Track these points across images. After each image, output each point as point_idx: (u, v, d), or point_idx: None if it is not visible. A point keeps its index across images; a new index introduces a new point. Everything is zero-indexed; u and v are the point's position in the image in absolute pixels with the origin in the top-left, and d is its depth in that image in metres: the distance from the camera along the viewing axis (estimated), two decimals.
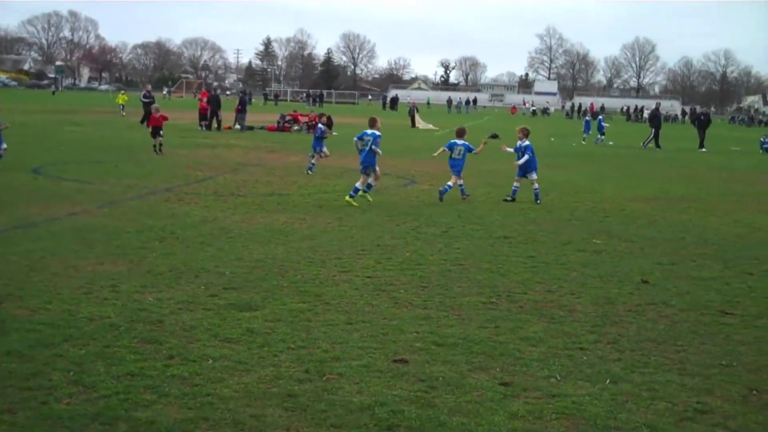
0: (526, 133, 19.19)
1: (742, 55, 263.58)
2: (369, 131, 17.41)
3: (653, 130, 43.19)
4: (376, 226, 14.32)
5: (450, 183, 18.41)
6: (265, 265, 10.78)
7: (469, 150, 19.00)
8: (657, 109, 47.02)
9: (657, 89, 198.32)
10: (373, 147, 17.15)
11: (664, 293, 10.09)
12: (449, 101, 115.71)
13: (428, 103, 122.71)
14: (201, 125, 42.29)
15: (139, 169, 22.23)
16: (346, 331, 7.90)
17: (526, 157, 18.52)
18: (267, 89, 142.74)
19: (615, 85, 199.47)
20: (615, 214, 17.01)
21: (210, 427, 5.49)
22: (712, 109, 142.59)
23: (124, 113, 52.23)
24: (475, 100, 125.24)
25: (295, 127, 45.17)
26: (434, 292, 9.69)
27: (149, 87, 50.93)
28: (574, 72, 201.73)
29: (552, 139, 48.52)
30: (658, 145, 41.72)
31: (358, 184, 17.03)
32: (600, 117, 47.20)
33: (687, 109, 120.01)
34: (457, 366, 6.97)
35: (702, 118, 47.47)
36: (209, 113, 42.51)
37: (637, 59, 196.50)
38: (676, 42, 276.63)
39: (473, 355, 7.28)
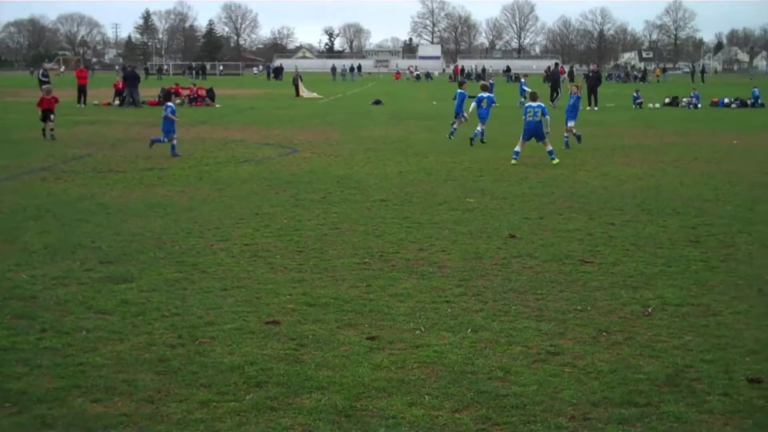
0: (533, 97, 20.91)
1: (618, 12, 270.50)
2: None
3: (550, 88, 44.07)
4: (255, 195, 14.47)
5: (478, 128, 23.47)
6: (143, 238, 10.85)
7: (492, 102, 24.35)
8: (556, 67, 48.00)
9: (537, 49, 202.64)
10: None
11: (530, 246, 10.62)
12: (333, 68, 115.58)
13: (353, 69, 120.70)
14: (115, 101, 41.99)
15: (14, 148, 21.73)
16: (221, 297, 8.11)
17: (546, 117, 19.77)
18: (148, 63, 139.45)
19: (497, 47, 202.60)
20: (489, 173, 17.58)
21: (82, 393, 5.64)
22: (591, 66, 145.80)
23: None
24: (359, 67, 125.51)
25: (177, 101, 44.50)
26: (309, 255, 9.97)
27: (46, 65, 49.30)
28: (456, 35, 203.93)
29: (434, 102, 49.16)
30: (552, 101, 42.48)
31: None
32: (522, 81, 47.60)
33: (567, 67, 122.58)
34: (327, 324, 7.27)
35: (591, 75, 45.61)
36: (126, 90, 41.95)
37: (518, 20, 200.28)
38: (555, 1, 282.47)
39: (343, 313, 7.60)
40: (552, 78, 46.78)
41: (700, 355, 6.62)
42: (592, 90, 42.45)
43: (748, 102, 45.30)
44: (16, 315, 7.40)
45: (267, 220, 12.21)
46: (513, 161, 19.04)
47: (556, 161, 19.00)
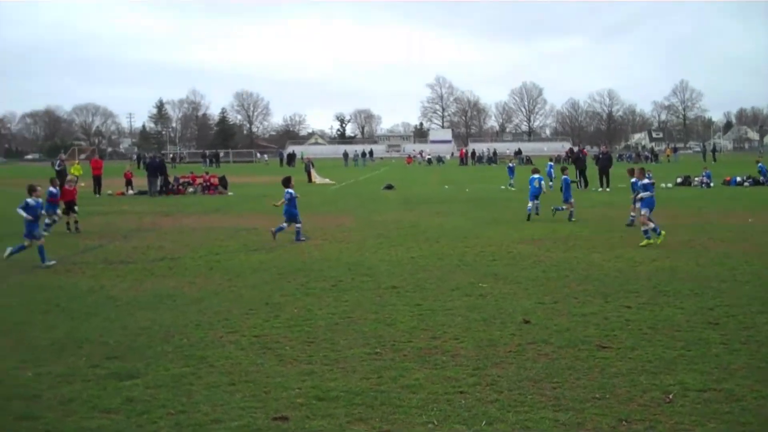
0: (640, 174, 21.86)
1: (625, 93, 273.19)
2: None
3: (577, 171, 43.77)
4: (265, 284, 14.34)
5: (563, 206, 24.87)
6: (151, 331, 10.70)
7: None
8: (580, 150, 47.51)
9: (548, 131, 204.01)
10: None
11: (545, 332, 10.39)
12: (345, 154, 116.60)
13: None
14: (129, 191, 43.13)
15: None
16: (228, 392, 7.91)
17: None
18: (163, 152, 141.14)
19: (507, 130, 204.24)
20: (502, 256, 17.42)
21: None
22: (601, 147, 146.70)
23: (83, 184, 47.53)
24: (371, 152, 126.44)
25: (190, 189, 44.94)
26: (320, 346, 9.78)
27: (63, 156, 49.86)
28: (466, 119, 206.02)
29: (446, 186, 49.31)
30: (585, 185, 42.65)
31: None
32: (510, 165, 47.83)
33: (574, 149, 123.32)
34: (337, 419, 7.06)
35: (601, 156, 46.01)
36: (157, 178, 43.10)
37: (526, 103, 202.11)
38: (562, 84, 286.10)
39: (354, 407, 7.38)
40: (578, 161, 46.32)
41: None
42: (604, 171, 42.57)
43: (761, 180, 45.20)
44: (18, 416, 7.22)
45: (277, 309, 12.05)
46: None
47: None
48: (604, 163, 43.77)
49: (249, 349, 9.67)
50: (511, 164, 48.11)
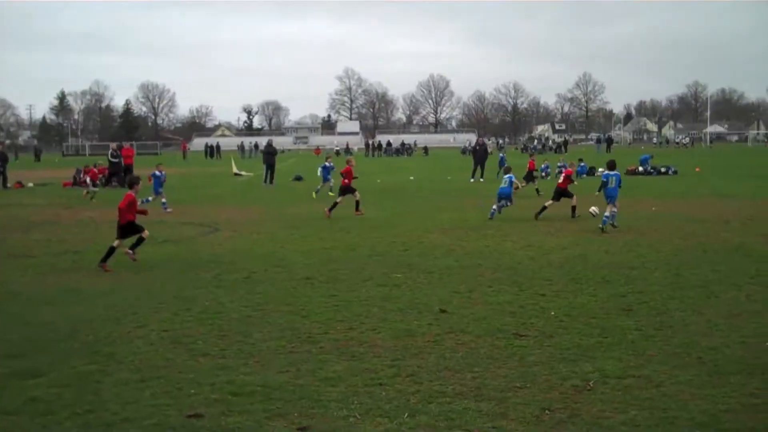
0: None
1: (530, 86, 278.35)
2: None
3: (478, 163, 44.12)
4: (175, 277, 13.92)
5: (607, 212, 20.01)
6: (55, 327, 10.22)
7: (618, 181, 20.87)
8: (477, 143, 48.15)
9: (454, 123, 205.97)
10: None
11: (462, 321, 10.31)
12: (240, 146, 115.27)
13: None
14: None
15: None
16: (138, 389, 7.56)
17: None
18: (64, 144, 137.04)
19: (414, 122, 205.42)
20: (414, 246, 17.33)
21: None
22: (502, 139, 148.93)
23: None
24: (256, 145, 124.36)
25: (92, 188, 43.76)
26: (233, 340, 9.48)
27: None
28: (374, 111, 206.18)
29: (355, 177, 49.02)
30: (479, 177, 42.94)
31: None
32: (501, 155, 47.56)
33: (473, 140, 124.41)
34: (254, 415, 6.80)
35: (477, 148, 46.67)
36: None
37: (434, 95, 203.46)
38: (469, 77, 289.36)
39: (271, 402, 7.13)
40: (476, 152, 46.81)
41: (648, 430, 6.35)
42: (480, 162, 43.28)
43: (663, 170, 46.38)
44: None
45: (188, 303, 11.67)
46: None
47: None
48: (481, 155, 44.66)
49: (159, 344, 9.30)
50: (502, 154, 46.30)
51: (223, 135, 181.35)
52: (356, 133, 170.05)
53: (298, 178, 45.70)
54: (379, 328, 10.02)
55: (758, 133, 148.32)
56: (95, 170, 42.75)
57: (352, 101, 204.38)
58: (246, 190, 38.80)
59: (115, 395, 7.38)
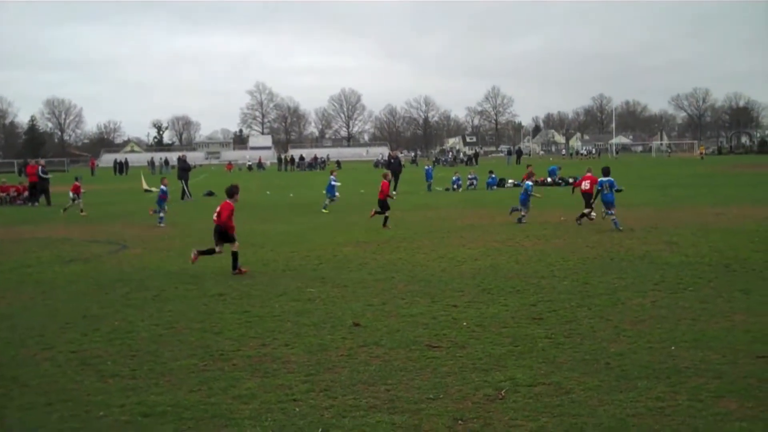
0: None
1: (440, 99, 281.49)
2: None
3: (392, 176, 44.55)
4: (83, 296, 13.60)
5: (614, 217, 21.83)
6: None
7: (612, 185, 22.21)
8: (390, 156, 49.02)
9: (366, 137, 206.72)
10: None
11: (375, 334, 10.33)
12: (150, 162, 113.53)
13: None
14: None
15: None
16: (45, 413, 7.35)
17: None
18: None
19: (327, 136, 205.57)
20: (328, 260, 17.31)
21: None
22: (414, 152, 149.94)
23: None
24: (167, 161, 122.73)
25: None
26: (143, 359, 9.30)
27: None
28: (287, 125, 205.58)
29: (267, 192, 48.87)
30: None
31: None
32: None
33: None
34: None
35: (392, 161, 47.57)
36: None
37: (346, 109, 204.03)
38: (381, 91, 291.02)
39: (183, 422, 7.02)
40: (391, 165, 47.20)
41: None
42: (394, 175, 43.77)
43: (571, 180, 47.26)
44: None
45: (96, 322, 11.41)
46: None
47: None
48: (395, 168, 45.51)
49: (66, 366, 9.07)
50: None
51: (132, 150, 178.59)
52: (269, 148, 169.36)
53: (210, 194, 45.21)
54: (292, 343, 9.96)
55: (661, 144, 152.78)
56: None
57: (263, 115, 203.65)
58: (152, 205, 38.08)
59: (19, 420, 7.17)
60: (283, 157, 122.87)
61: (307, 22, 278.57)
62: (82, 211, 33.16)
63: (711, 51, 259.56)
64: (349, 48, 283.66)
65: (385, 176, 26.24)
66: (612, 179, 22.39)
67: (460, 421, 6.92)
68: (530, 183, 25.70)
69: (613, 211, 22.12)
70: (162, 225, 26.76)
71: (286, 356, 9.33)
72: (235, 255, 15.91)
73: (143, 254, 19.18)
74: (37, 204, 40.99)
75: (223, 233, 16.03)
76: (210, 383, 8.24)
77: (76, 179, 34.57)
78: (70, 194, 33.93)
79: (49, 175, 42.60)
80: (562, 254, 17.33)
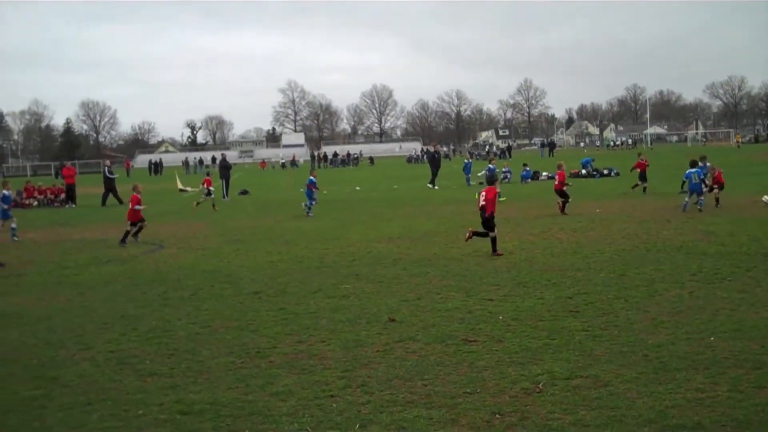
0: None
1: (472, 93, 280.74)
2: None
3: (433, 170, 44.67)
4: (120, 297, 13.72)
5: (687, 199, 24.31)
6: None
7: (700, 176, 24.43)
8: (436, 151, 49.02)
9: (399, 132, 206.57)
10: None
11: (411, 329, 10.31)
12: (185, 162, 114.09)
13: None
14: None
15: None
16: (85, 412, 7.42)
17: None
18: (4, 165, 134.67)
19: (359, 132, 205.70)
20: (362, 256, 17.32)
21: None
22: (447, 147, 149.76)
23: None
24: (213, 159, 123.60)
25: (34, 203, 43.16)
26: (181, 358, 9.36)
27: None
28: (319, 122, 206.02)
29: (301, 189, 48.95)
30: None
31: None
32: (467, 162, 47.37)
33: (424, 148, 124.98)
34: None
35: (436, 156, 47.70)
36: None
37: (377, 105, 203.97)
38: (412, 86, 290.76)
39: (221, 419, 7.05)
40: (433, 161, 47.09)
41: (597, 430, 6.40)
42: (435, 169, 44.55)
43: (605, 171, 47.02)
44: None
45: (133, 322, 11.51)
46: None
47: None
48: (437, 162, 45.86)
49: (105, 366, 9.15)
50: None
51: (167, 151, 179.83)
52: (301, 145, 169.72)
53: (244, 192, 45.46)
54: (328, 339, 9.97)
55: (697, 133, 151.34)
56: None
57: (296, 113, 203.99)
58: (189, 206, 38.40)
59: (60, 420, 7.24)
60: (316, 154, 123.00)
61: (336, 18, 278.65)
62: (214, 206, 34.15)
63: (747, 37, 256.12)
64: (379, 44, 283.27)
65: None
66: (699, 169, 24.33)
67: (497, 415, 6.89)
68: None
69: (702, 198, 24.06)
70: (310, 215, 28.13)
71: (323, 352, 9.35)
72: (493, 240, 17.15)
73: (179, 254, 19.32)
74: (74, 206, 41.46)
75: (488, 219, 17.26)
76: (247, 381, 8.28)
77: (207, 174, 35.73)
78: (203, 187, 35.58)
79: (116, 175, 43.19)
80: (597, 246, 17.21)
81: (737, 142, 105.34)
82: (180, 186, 55.34)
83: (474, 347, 9.29)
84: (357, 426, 6.74)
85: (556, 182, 25.97)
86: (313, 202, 29.34)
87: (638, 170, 32.21)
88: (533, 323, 10.34)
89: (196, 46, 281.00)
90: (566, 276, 13.71)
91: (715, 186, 25.18)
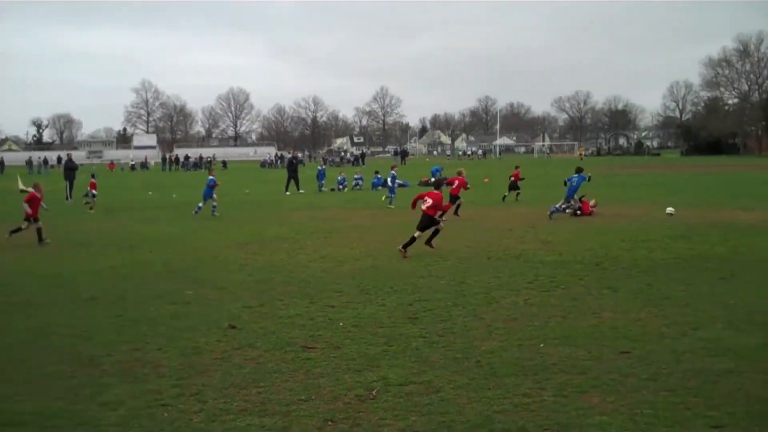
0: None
1: (329, 99, 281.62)
2: None
3: (290, 175, 44.74)
4: None
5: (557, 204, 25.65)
6: None
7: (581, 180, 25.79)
8: (294, 157, 49.09)
9: (254, 137, 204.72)
10: None
11: (251, 336, 10.26)
12: (28, 161, 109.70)
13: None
14: None
15: None
16: None
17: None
18: None
19: (214, 135, 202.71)
20: (208, 262, 17.10)
21: None
22: (301, 153, 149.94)
23: None
24: (59, 158, 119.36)
25: None
26: (8, 368, 8.98)
27: None
28: (172, 124, 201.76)
29: (150, 192, 47.95)
30: (297, 189, 43.32)
31: None
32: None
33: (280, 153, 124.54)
34: None
35: (294, 161, 47.99)
36: None
37: (233, 109, 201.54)
38: (269, 90, 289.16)
39: (45, 430, 6.83)
40: (291, 165, 47.12)
41: None
42: (294, 175, 45.00)
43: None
44: None
45: None
46: None
47: None
48: (295, 167, 46.32)
49: None
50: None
51: (9, 149, 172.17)
52: (153, 147, 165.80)
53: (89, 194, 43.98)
54: (165, 347, 9.80)
55: (543, 145, 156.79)
56: None
57: (149, 114, 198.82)
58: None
59: None
60: (167, 156, 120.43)
61: (196, 19, 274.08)
62: (91, 208, 33.64)
63: (594, 54, 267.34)
64: (238, 47, 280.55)
65: (460, 173, 27.61)
66: (582, 176, 25.75)
67: (329, 422, 6.95)
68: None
69: (565, 205, 25.59)
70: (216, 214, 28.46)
71: (158, 360, 9.18)
72: (412, 239, 17.69)
73: (14, 258, 18.52)
74: None
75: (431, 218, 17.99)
76: (77, 390, 8.04)
77: (93, 176, 35.82)
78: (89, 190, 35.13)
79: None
80: (441, 254, 17.58)
81: (581, 154, 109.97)
82: (21, 187, 52.75)
83: (312, 354, 9.33)
84: None
85: (453, 187, 26.53)
86: (215, 204, 29.51)
87: (512, 180, 34.50)
88: (373, 330, 10.47)
89: (46, 41, 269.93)
90: (408, 283, 13.95)
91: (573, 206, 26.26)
